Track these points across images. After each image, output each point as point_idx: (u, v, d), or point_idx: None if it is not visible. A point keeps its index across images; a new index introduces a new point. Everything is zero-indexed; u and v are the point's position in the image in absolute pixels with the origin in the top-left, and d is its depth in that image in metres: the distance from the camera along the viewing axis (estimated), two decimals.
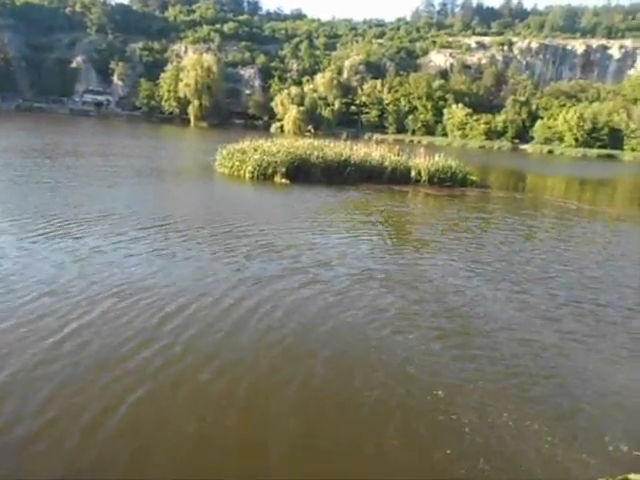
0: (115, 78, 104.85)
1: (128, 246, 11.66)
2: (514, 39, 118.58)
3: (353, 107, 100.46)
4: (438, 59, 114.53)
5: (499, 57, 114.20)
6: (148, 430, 5.11)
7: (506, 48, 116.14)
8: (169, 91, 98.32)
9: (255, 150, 25.62)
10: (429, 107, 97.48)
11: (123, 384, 5.87)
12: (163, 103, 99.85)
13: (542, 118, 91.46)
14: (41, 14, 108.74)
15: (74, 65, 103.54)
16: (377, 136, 79.45)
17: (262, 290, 9.46)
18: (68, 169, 24.06)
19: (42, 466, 4.44)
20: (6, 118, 68.48)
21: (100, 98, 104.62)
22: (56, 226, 12.96)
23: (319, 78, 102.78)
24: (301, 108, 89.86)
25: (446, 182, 26.56)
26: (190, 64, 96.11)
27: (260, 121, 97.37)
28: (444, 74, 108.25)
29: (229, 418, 5.45)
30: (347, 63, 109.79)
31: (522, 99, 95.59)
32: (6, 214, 13.93)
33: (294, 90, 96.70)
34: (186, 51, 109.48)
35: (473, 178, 28.39)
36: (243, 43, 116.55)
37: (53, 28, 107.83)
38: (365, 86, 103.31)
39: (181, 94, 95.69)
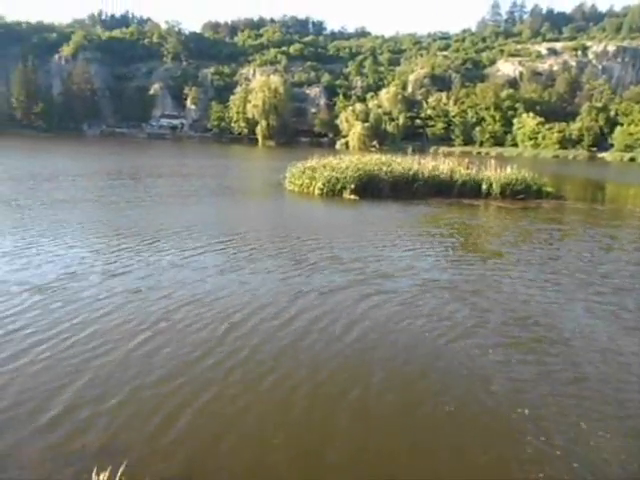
0: (188, 102, 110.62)
1: (201, 259, 12.42)
2: (588, 43, 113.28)
3: (418, 121, 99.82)
4: (506, 68, 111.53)
5: (572, 63, 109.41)
6: (211, 432, 5.42)
7: (580, 53, 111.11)
8: (238, 112, 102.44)
9: (324, 167, 26.16)
10: (497, 117, 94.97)
11: (190, 389, 6.25)
12: (232, 124, 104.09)
13: (622, 124, 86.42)
14: (122, 46, 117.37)
15: (152, 92, 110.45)
16: (443, 149, 78.37)
17: (326, 301, 9.74)
18: (149, 189, 25.77)
19: (112, 466, 4.60)
20: (93, 143, 74.15)
21: (175, 122, 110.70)
22: (138, 241, 14.00)
23: (383, 93, 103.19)
24: (366, 124, 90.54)
25: (519, 194, 25.78)
26: (258, 86, 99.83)
27: (326, 138, 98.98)
28: (513, 83, 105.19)
29: (289, 423, 5.66)
30: (411, 77, 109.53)
31: (599, 105, 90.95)
32: (94, 230, 15.28)
33: (359, 106, 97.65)
34: (254, 74, 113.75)
35: (548, 189, 27.36)
36: (308, 63, 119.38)
37: (133, 58, 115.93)
38: (430, 99, 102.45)
39: (249, 115, 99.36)
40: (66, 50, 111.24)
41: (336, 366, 7.04)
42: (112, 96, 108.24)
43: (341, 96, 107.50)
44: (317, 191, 24.58)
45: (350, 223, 18.80)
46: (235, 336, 7.91)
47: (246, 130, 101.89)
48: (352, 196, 23.69)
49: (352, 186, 23.90)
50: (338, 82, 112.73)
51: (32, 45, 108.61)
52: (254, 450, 5.17)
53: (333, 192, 24.23)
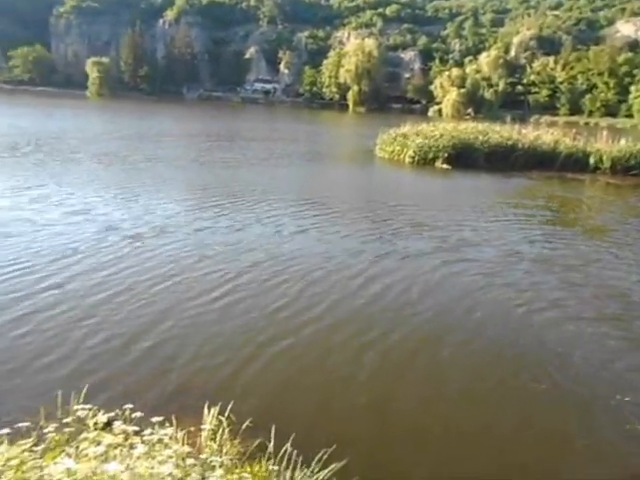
0: (282, 67, 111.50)
1: (286, 219, 12.84)
2: None
3: (519, 87, 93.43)
4: (627, 29, 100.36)
5: None
6: (281, 382, 5.64)
7: None
8: (330, 77, 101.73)
9: (416, 134, 25.48)
10: (612, 84, 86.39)
11: (263, 339, 6.54)
12: (324, 89, 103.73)
13: None
14: (222, 10, 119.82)
15: (247, 56, 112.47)
16: (546, 118, 72.97)
17: (405, 265, 9.74)
18: (243, 151, 26.66)
19: (185, 412, 4.74)
20: (191, 106, 77.52)
21: (268, 86, 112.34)
22: (227, 199, 14.73)
23: (483, 57, 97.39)
24: (462, 90, 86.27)
25: (632, 170, 23.51)
26: (351, 50, 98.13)
27: (418, 105, 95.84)
28: (633, 46, 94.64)
29: (356, 378, 5.75)
30: (516, 39, 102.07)
31: None
32: (190, 187, 16.31)
33: (455, 72, 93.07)
34: (348, 37, 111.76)
35: None
36: (405, 25, 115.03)
37: (231, 22, 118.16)
38: (535, 64, 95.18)
39: (341, 80, 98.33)
40: (170, 15, 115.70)
41: (408, 331, 7.04)
42: (210, 60, 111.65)
43: (437, 60, 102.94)
44: (408, 159, 24.08)
45: (439, 192, 18.32)
46: (311, 293, 8.16)
47: (337, 96, 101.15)
48: (444, 165, 22.96)
49: (445, 155, 23.12)
50: (435, 45, 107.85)
51: (140, 11, 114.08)
52: (320, 400, 5.36)
53: (424, 161, 23.62)
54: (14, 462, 2.82)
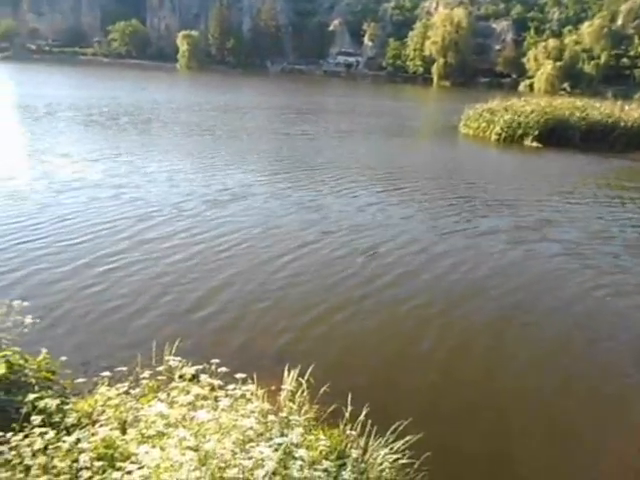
0: (366, 39, 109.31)
1: (359, 192, 12.95)
2: None
3: (625, 60, 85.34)
4: None
5: None
6: (341, 346, 5.77)
7: None
8: (415, 50, 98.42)
9: (506, 110, 24.17)
10: None
11: (327, 306, 6.68)
12: (408, 62, 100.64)
13: None
14: None
15: (331, 28, 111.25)
16: None
17: (478, 243, 9.51)
18: (325, 124, 26.68)
19: (265, 372, 5.04)
20: (275, 79, 78.42)
21: (350, 59, 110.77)
22: (303, 171, 15.09)
23: (585, 27, 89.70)
24: (558, 63, 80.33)
25: None
26: (439, 20, 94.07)
27: (508, 79, 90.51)
28: None
29: (413, 351, 5.81)
30: (624, 7, 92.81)
31: None
32: (268, 158, 16.80)
33: (552, 43, 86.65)
34: (437, 7, 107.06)
35: None
36: None
37: None
38: None
39: (427, 52, 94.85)
40: None
41: (471, 309, 6.88)
42: (294, 33, 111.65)
43: (532, 31, 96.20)
44: (494, 136, 22.96)
45: (525, 170, 17.39)
46: (375, 265, 8.19)
47: (421, 69, 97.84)
48: (534, 143, 21.65)
49: (535, 132, 21.78)
50: (531, 14, 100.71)
51: None
52: (384, 363, 5.49)
53: (512, 138, 22.40)
54: (113, 402, 3.09)
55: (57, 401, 3.09)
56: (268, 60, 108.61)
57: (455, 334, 6.21)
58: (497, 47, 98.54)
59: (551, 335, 6.29)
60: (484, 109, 25.34)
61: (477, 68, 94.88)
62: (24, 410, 3.05)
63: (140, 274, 7.31)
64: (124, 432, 2.98)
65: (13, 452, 2.66)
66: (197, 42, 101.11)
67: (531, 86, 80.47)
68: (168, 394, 3.12)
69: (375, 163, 17.01)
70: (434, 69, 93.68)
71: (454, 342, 6.04)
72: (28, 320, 4.20)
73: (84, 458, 2.52)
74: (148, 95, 39.40)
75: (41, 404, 3.02)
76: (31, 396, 3.15)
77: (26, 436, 2.73)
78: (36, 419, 2.81)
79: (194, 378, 3.31)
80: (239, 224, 9.95)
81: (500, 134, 22.75)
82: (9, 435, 2.74)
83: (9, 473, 2.49)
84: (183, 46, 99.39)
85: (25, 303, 4.19)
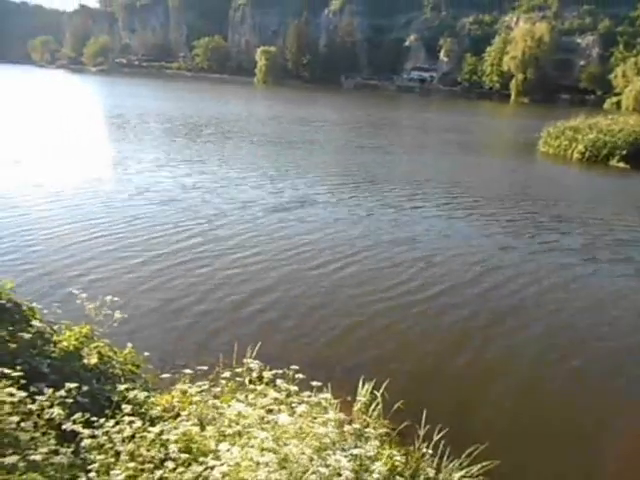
0: (441, 54, 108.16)
1: (423, 204, 13.28)
2: None
3: None
4: None
5: None
6: (420, 359, 5.81)
7: None
8: (492, 65, 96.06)
9: (590, 128, 22.97)
10: None
11: (374, 309, 6.91)
12: (484, 78, 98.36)
13: None
14: None
15: (407, 43, 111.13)
16: None
17: (538, 259, 9.38)
18: (397, 138, 26.61)
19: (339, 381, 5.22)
20: (348, 94, 79.28)
21: (425, 75, 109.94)
22: (370, 183, 15.44)
23: None
24: None
25: None
26: (519, 35, 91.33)
27: (591, 96, 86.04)
28: None
29: (457, 361, 5.78)
30: None
31: None
32: (334, 169, 17.14)
33: None
34: (517, 22, 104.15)
35: None
36: (585, 7, 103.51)
37: (393, 10, 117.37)
38: None
39: (504, 68, 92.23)
40: (335, 4, 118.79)
41: (514, 326, 6.66)
42: (369, 48, 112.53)
43: (621, 45, 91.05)
44: (576, 155, 21.86)
45: (608, 191, 16.47)
46: (431, 274, 8.32)
47: (498, 85, 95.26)
48: (621, 164, 20.40)
49: (623, 152, 20.50)
50: (620, 29, 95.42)
51: (308, 1, 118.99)
52: (462, 392, 5.40)
53: (596, 158, 21.23)
54: (194, 399, 3.21)
55: (145, 393, 3.26)
56: (342, 75, 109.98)
57: (529, 354, 5.99)
58: (581, 63, 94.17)
59: (609, 371, 5.92)
60: (566, 127, 24.21)
61: (558, 84, 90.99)
62: (114, 399, 3.24)
63: (217, 276, 7.65)
64: (202, 429, 3.10)
65: (104, 437, 2.84)
66: (274, 57, 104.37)
67: (618, 103, 75.93)
68: (246, 396, 3.21)
69: (446, 178, 16.77)
70: (512, 85, 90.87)
71: (533, 364, 5.84)
72: (117, 315, 4.47)
73: (173, 448, 2.64)
74: (229, 108, 41.16)
75: (130, 395, 3.20)
76: (121, 386, 3.35)
77: (116, 423, 2.90)
78: (126, 408, 2.98)
79: (270, 382, 3.38)
80: (297, 229, 10.42)
81: (583, 153, 21.62)
82: (102, 421, 2.93)
83: (102, 456, 2.65)
84: (261, 61, 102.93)
85: (115, 298, 4.47)
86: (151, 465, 2.74)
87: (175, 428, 3.00)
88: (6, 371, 3.06)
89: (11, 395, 2.84)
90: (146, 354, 4.75)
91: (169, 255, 8.49)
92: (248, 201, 12.43)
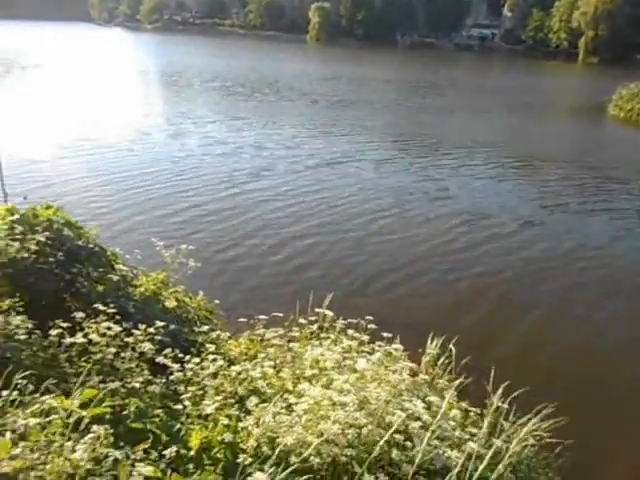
0: (505, 9, 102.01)
1: (478, 167, 13.29)
2: None
3: None
4: None
5: None
6: (490, 319, 5.88)
7: None
8: (561, 21, 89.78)
9: None
10: None
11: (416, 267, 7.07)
12: (551, 35, 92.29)
13: None
14: None
15: None
16: None
17: (582, 229, 9.40)
18: (462, 100, 25.72)
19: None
20: (405, 53, 76.69)
21: (485, 32, 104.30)
22: (424, 145, 15.41)
23: None
24: None
25: None
26: None
27: None
28: None
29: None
30: None
31: None
32: (388, 129, 17.15)
33: None
34: None
35: None
36: None
37: None
38: None
39: (574, 24, 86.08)
40: None
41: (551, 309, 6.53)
42: (427, 3, 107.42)
43: None
44: None
45: None
46: (469, 239, 8.53)
47: (566, 43, 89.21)
48: None
49: None
50: None
51: None
52: (524, 346, 5.54)
53: None
54: (273, 342, 3.39)
55: (227, 334, 3.46)
56: (397, 32, 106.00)
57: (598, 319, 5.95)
58: None
59: None
60: None
61: (633, 42, 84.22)
62: (199, 339, 3.46)
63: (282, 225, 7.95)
64: (278, 371, 3.27)
65: (190, 372, 3.07)
66: (328, 14, 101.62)
67: None
68: (320, 343, 3.35)
69: (506, 140, 16.30)
70: (581, 43, 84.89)
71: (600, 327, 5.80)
72: (192, 263, 4.70)
73: (261, 383, 2.82)
74: (283, 66, 40.87)
75: (213, 335, 3.41)
76: (204, 327, 3.57)
77: (201, 360, 3.12)
78: (210, 347, 3.19)
79: (342, 331, 3.50)
80: (349, 190, 10.79)
81: None
82: (188, 358, 3.15)
83: (193, 387, 2.87)
84: (314, 18, 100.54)
85: (191, 247, 4.69)
86: (232, 400, 2.95)
87: (253, 369, 3.19)
88: (101, 307, 3.33)
89: (109, 329, 3.09)
90: (216, 302, 5.01)
91: (230, 207, 8.88)
92: (294, 159, 12.85)
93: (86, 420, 1.92)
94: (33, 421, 1.61)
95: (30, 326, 3.09)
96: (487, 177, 12.25)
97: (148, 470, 2.02)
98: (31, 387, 2.04)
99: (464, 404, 3.12)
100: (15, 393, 1.70)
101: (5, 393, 1.57)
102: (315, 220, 8.75)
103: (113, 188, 10.21)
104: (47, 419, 1.90)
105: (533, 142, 16.80)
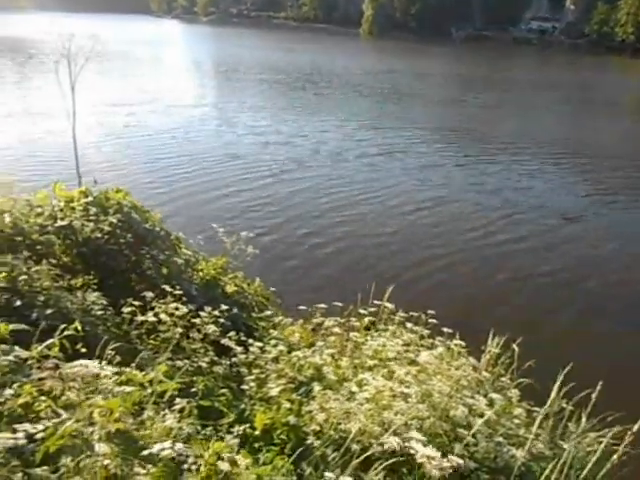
0: (567, 2, 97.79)
1: (529, 164, 13.18)
2: None
3: None
4: None
5: None
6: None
7: None
8: (628, 14, 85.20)
9: None
10: None
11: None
12: (617, 29, 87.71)
13: None
14: None
15: None
16: None
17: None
18: (519, 96, 24.96)
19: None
20: (461, 47, 74.89)
21: (546, 25, 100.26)
22: (468, 140, 15.55)
23: None
24: None
25: None
26: None
27: None
28: None
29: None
30: None
31: None
32: (435, 124, 16.97)
33: None
34: None
35: None
36: None
37: None
38: None
39: None
40: None
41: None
42: None
43: None
44: None
45: None
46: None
47: (632, 37, 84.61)
48: None
49: None
50: None
51: None
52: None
53: None
54: (335, 330, 3.42)
55: (289, 320, 3.53)
56: (453, 26, 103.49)
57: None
58: None
59: None
60: None
61: None
62: (261, 324, 3.54)
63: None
64: (336, 359, 3.31)
65: (252, 356, 3.15)
66: (382, 6, 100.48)
67: None
68: (379, 334, 3.36)
69: (564, 138, 15.90)
70: None
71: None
72: (250, 250, 4.80)
73: (327, 370, 2.87)
74: (337, 60, 40.96)
75: (275, 320, 3.48)
76: (264, 313, 3.65)
77: (263, 345, 3.19)
78: (273, 332, 3.26)
79: (401, 324, 3.49)
80: (392, 181, 10.89)
81: None
82: (250, 341, 3.23)
83: (258, 370, 2.95)
84: (368, 11, 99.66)
85: (250, 234, 4.79)
86: (292, 385, 3.01)
87: (312, 356, 3.23)
88: (168, 289, 3.46)
89: (176, 309, 3.21)
90: (272, 289, 5.10)
91: (286, 195, 9.09)
92: (338, 151, 12.96)
93: (169, 393, 2.01)
94: (120, 389, 1.70)
95: (105, 303, 3.25)
96: (539, 173, 12.12)
97: (219, 446, 2.10)
98: (118, 358, 2.15)
99: (525, 404, 3.05)
100: (104, 363, 1.80)
101: (96, 364, 1.67)
102: (363, 208, 8.85)
103: (169, 173, 10.63)
104: (127, 389, 2.00)
105: (595, 141, 16.18)
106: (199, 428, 2.27)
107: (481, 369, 3.08)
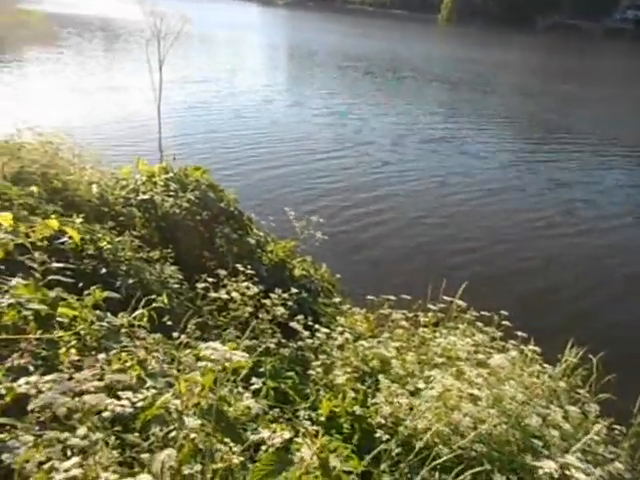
0: None
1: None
2: None
3: None
4: None
5: None
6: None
7: None
8: None
9: None
10: None
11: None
12: None
13: None
14: None
15: None
16: None
17: None
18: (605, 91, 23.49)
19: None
20: (547, 38, 70.67)
21: None
22: (540, 132, 15.24)
23: None
24: None
25: None
26: None
27: None
28: None
29: None
30: None
31: None
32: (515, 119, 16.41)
33: None
34: None
35: None
36: None
37: None
38: None
39: None
40: None
41: None
42: None
43: None
44: None
45: None
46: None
47: None
48: None
49: None
50: None
51: None
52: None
53: None
54: (402, 323, 3.36)
55: (357, 309, 3.50)
56: (538, 13, 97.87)
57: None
58: None
59: None
60: None
61: None
62: (328, 310, 3.53)
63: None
64: (401, 353, 3.24)
65: (317, 342, 3.15)
66: None
67: None
68: (449, 332, 3.26)
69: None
70: None
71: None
72: (319, 235, 4.80)
73: (395, 363, 2.83)
74: (413, 47, 40.10)
75: (343, 308, 3.46)
76: (331, 299, 3.64)
77: (330, 332, 3.19)
78: (340, 319, 3.24)
79: (471, 323, 3.37)
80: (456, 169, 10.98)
81: None
82: (317, 327, 3.24)
83: (324, 356, 2.95)
84: None
85: (321, 219, 4.79)
86: (356, 374, 2.98)
87: (377, 347, 3.18)
88: (240, 268, 3.52)
89: (247, 289, 3.26)
90: (337, 276, 5.09)
91: (359, 184, 9.11)
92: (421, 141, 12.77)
93: (243, 372, 2.04)
94: (202, 364, 1.73)
95: (180, 277, 3.36)
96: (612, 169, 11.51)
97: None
98: (198, 333, 2.21)
99: (603, 421, 2.87)
100: (183, 336, 1.85)
101: (181, 336, 1.72)
102: (449, 203, 8.81)
103: (245, 153, 10.90)
104: (200, 365, 2.04)
105: None
106: (266, 409, 2.30)
107: (556, 378, 2.92)
